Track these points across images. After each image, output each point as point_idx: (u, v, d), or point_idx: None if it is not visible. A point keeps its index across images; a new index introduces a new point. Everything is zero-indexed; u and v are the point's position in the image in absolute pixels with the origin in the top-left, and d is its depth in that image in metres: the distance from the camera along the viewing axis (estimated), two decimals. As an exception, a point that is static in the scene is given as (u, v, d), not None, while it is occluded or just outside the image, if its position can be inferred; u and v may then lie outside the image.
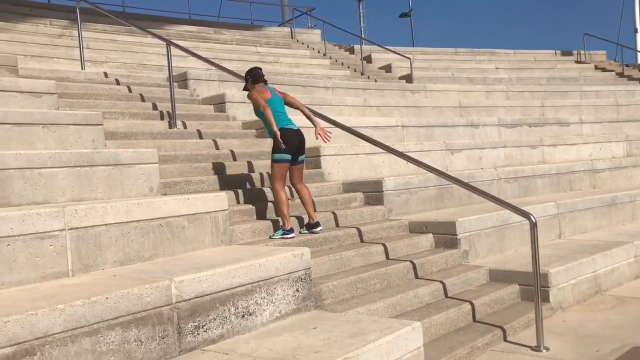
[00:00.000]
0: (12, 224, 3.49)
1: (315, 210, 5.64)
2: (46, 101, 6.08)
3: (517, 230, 6.44)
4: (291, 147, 5.43)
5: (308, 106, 6.00)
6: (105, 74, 8.47)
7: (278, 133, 5.38)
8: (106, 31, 13.63)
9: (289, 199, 5.55)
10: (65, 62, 9.91)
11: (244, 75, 5.99)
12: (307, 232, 5.48)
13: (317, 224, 5.46)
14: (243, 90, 6.09)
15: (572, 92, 14.82)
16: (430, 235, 5.93)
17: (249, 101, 8.50)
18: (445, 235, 5.87)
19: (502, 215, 6.27)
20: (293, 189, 5.76)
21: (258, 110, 5.61)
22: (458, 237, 5.81)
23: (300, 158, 5.59)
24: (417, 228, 6.07)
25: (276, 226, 5.36)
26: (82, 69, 8.84)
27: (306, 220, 5.56)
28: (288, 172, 5.49)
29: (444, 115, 10.97)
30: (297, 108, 5.83)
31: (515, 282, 5.40)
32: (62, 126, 5.42)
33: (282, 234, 5.24)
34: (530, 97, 14.03)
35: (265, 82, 5.82)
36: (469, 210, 6.76)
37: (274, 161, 5.45)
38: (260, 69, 5.92)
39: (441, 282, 5.05)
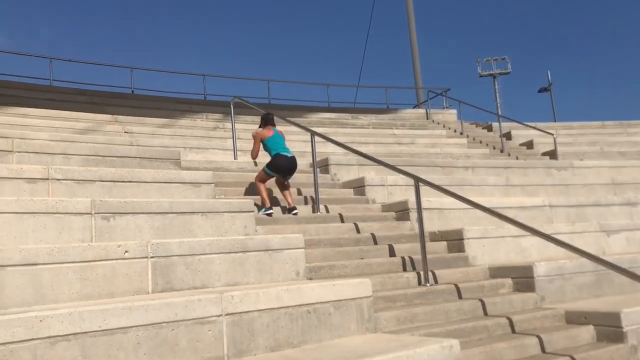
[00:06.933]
0: (176, 310, 3.76)
1: (292, 199, 7.47)
2: (204, 190, 6.62)
3: (694, 324, 5.69)
4: (282, 169, 7.45)
5: (446, 187, 6.69)
6: (255, 163, 9.06)
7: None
8: (254, 122, 14.67)
9: (268, 189, 7.50)
10: (220, 153, 10.80)
11: (379, 159, 7.53)
12: (288, 214, 7.22)
13: (294, 208, 7.27)
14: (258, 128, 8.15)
15: None
16: (591, 326, 5.43)
17: (387, 184, 8.73)
18: (609, 328, 5.35)
19: (675, 306, 5.60)
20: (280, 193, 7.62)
21: (264, 144, 7.81)
22: (624, 330, 5.26)
23: (289, 177, 7.55)
24: (574, 318, 5.60)
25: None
26: (234, 159, 9.57)
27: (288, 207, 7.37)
28: (278, 183, 7.55)
29: (596, 194, 10.28)
30: None
31: (697, 385, 4.73)
32: (219, 214, 5.86)
33: (264, 212, 7.02)
34: (696, 171, 12.74)
35: (273, 124, 7.94)
36: (634, 299, 6.13)
37: (263, 170, 7.45)
38: (270, 114, 8.08)
39: (607, 381, 4.56)
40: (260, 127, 8.05)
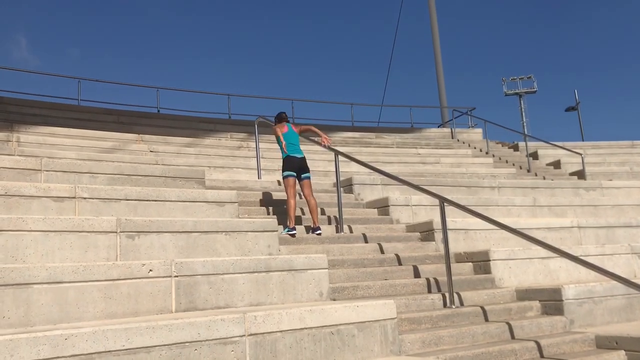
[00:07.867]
0: (199, 330, 3.74)
1: (318, 218, 7.43)
2: (228, 209, 6.64)
3: None
4: (294, 168, 7.51)
5: (471, 207, 6.34)
6: (279, 182, 9.08)
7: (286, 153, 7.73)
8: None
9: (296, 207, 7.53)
10: (243, 172, 10.85)
11: (403, 179, 7.54)
12: (312, 233, 7.19)
13: (318, 228, 7.24)
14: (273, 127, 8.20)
15: None
16: (623, 352, 5.26)
17: (412, 204, 8.65)
18: (641, 353, 5.17)
19: None
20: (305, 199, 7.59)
21: (278, 139, 7.73)
22: (657, 356, 5.08)
23: (304, 175, 7.64)
24: (605, 343, 5.43)
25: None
26: (258, 178, 9.61)
27: (312, 226, 7.34)
28: (299, 186, 7.63)
29: (626, 215, 10.05)
30: (310, 131, 8.26)
31: None
32: (242, 233, 5.86)
33: (287, 231, 6.96)
34: None
35: (287, 121, 7.99)
36: (668, 323, 5.94)
37: (283, 177, 7.56)
38: (284, 112, 8.17)
39: (641, 409, 4.40)
40: (275, 124, 8.12)
